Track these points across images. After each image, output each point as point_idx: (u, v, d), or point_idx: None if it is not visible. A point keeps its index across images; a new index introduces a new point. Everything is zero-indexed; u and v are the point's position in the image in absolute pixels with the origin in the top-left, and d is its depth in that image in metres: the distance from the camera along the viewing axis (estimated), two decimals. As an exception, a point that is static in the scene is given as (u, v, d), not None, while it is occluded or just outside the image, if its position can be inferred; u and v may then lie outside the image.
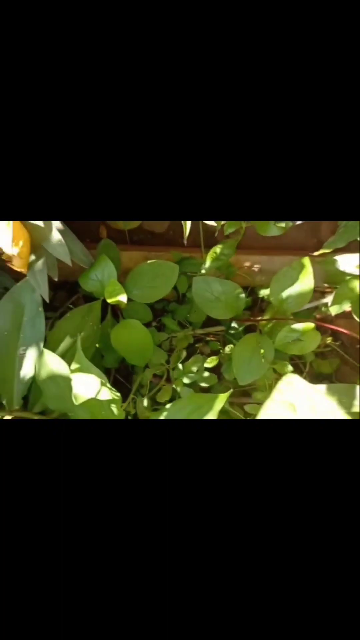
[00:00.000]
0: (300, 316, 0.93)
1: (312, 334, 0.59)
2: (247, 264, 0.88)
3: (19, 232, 0.44)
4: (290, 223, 0.61)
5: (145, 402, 0.67)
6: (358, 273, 0.68)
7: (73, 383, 0.44)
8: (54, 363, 0.52)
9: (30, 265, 0.51)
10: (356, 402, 0.59)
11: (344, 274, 0.71)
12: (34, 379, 0.57)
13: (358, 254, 0.67)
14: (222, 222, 0.65)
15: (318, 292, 0.96)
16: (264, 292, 0.90)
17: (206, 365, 0.78)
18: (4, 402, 0.58)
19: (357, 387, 0.60)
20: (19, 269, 0.49)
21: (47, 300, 0.51)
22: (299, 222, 0.64)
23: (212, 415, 0.46)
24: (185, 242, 0.49)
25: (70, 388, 0.44)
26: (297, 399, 0.37)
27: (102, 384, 0.46)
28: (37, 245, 0.48)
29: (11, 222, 0.42)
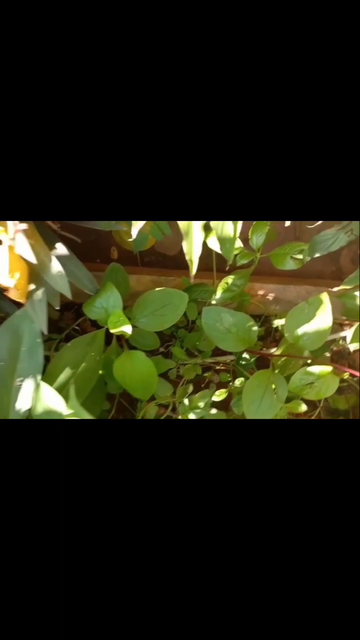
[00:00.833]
0: (316, 349, 0.88)
1: (330, 378, 0.55)
2: (261, 292, 0.84)
3: (15, 263, 0.41)
4: (307, 257, 0.57)
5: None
6: (381, 310, 0.63)
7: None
8: (50, 398, 0.49)
9: (29, 294, 0.48)
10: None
11: (364, 309, 0.67)
12: (30, 412, 0.54)
13: (381, 291, 0.63)
14: (235, 253, 0.62)
15: (336, 324, 0.92)
16: (278, 322, 0.85)
17: (215, 398, 0.73)
18: None
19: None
20: (17, 299, 0.46)
21: (45, 332, 0.48)
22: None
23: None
24: (191, 278, 0.46)
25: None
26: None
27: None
28: (36, 275, 0.46)
29: (7, 252, 0.39)
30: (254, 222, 0.62)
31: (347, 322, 0.89)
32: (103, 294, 0.58)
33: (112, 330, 0.54)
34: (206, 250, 0.83)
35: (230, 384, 0.79)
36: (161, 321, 0.66)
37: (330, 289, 0.62)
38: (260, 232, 0.60)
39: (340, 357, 0.93)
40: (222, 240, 0.48)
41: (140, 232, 0.48)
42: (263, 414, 0.63)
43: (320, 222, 0.87)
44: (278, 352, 0.71)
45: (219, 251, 0.62)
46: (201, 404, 0.64)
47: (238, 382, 0.71)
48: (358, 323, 0.67)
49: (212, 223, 0.47)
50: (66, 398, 0.50)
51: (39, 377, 0.52)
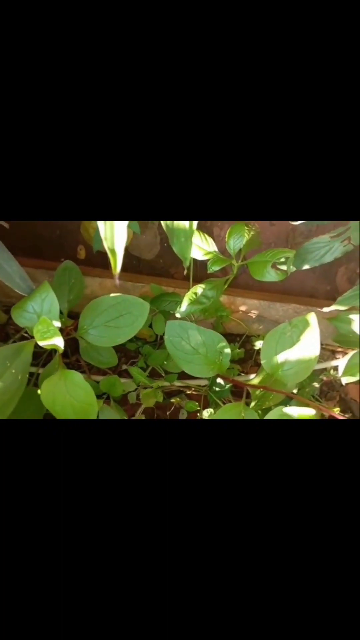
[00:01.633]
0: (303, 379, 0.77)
1: (311, 423, 0.43)
2: (243, 308, 0.73)
3: None
4: (291, 268, 0.46)
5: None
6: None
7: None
8: None
9: None
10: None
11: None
12: None
13: (382, 315, 0.52)
14: (208, 258, 0.51)
15: (327, 351, 0.80)
16: (260, 344, 0.74)
17: (177, 429, 0.62)
18: None
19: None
20: None
21: None
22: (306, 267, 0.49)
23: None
24: (115, 278, 0.36)
25: None
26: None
27: None
28: None
29: None
30: (232, 224, 0.51)
31: (339, 349, 0.78)
32: (37, 296, 0.46)
33: (40, 343, 0.43)
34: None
35: (198, 414, 0.67)
36: (115, 334, 0.54)
37: (321, 309, 0.51)
38: (238, 235, 0.49)
39: (330, 389, 0.81)
40: (174, 233, 0.37)
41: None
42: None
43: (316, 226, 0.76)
44: (255, 382, 0.60)
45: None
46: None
47: (206, 413, 0.59)
48: (353, 352, 0.55)
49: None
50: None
51: None
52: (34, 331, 0.42)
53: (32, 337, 0.47)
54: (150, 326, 0.70)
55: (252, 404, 0.60)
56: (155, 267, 0.85)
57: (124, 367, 0.71)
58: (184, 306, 0.51)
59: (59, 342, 0.43)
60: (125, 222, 0.35)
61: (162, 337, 0.70)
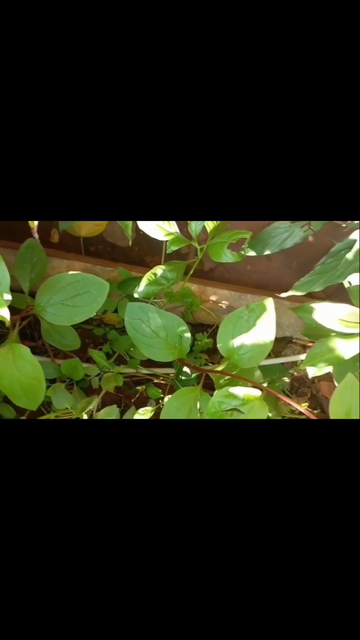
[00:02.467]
0: (272, 373, 0.76)
1: (258, 406, 0.42)
2: (213, 298, 0.72)
3: None
4: (247, 250, 0.45)
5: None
6: (340, 329, 0.51)
7: None
8: None
9: None
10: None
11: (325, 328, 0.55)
12: None
13: (344, 305, 0.51)
14: (169, 239, 0.50)
15: (298, 345, 0.80)
16: (229, 335, 0.73)
17: (137, 417, 0.61)
18: None
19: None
20: None
21: None
22: (273, 253, 0.48)
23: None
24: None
25: None
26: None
27: None
28: None
29: None
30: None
31: (310, 343, 0.77)
32: (-13, 267, 0.45)
33: (-17, 312, 0.42)
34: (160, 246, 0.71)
35: (161, 401, 0.66)
36: (73, 313, 0.53)
37: (278, 295, 0.50)
38: (199, 215, 0.48)
39: (301, 385, 0.80)
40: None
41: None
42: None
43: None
44: (220, 368, 0.59)
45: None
46: (107, 422, 0.51)
47: (167, 399, 0.58)
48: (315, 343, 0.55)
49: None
50: None
51: None
52: (-22, 300, 0.41)
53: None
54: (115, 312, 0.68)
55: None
56: (130, 255, 0.84)
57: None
58: (142, 286, 0.50)
59: (4, 313, 0.42)
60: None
61: (129, 323, 0.69)
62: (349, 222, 0.56)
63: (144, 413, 0.60)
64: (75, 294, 0.53)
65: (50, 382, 0.64)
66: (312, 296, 0.77)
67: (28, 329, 0.75)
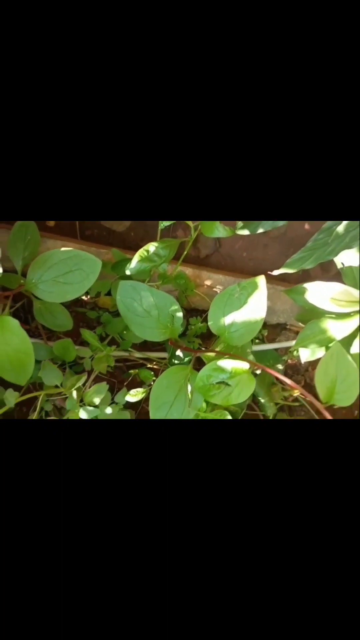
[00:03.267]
0: (266, 359, 0.76)
1: (246, 380, 0.42)
2: (208, 282, 0.72)
3: None
4: (241, 228, 0.44)
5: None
6: (333, 309, 0.51)
7: None
8: None
9: None
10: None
11: (318, 309, 0.54)
12: None
13: (336, 283, 0.51)
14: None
15: (292, 332, 0.79)
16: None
17: (129, 398, 0.60)
18: None
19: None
20: None
21: None
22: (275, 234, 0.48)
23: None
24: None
25: None
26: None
27: None
28: None
29: None
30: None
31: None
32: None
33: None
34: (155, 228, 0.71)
35: (152, 382, 0.66)
36: (64, 290, 0.53)
37: (270, 272, 0.49)
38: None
39: (295, 373, 0.80)
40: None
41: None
42: (173, 421, 0.50)
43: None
44: (215, 349, 0.59)
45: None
46: (96, 400, 0.51)
47: (158, 378, 0.58)
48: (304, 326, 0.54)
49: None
50: None
51: None
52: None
53: None
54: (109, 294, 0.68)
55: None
56: (126, 240, 0.83)
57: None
58: (133, 262, 0.50)
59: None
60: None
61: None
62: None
63: (135, 394, 0.60)
64: (67, 270, 0.53)
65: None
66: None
67: (22, 312, 0.74)
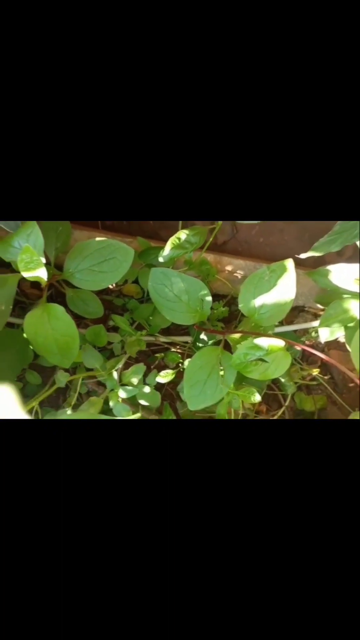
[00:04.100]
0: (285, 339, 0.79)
1: (281, 356, 0.45)
2: (229, 267, 0.75)
3: None
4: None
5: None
6: (356, 289, 0.54)
7: None
8: None
9: None
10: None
11: (340, 291, 0.57)
12: None
13: (358, 264, 0.53)
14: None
15: (310, 314, 0.82)
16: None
17: (159, 379, 0.63)
18: None
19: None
20: None
21: None
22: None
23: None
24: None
25: None
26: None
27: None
28: None
29: None
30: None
31: (321, 312, 0.79)
32: (22, 232, 0.48)
33: (22, 273, 0.44)
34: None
35: (180, 364, 0.69)
36: (100, 278, 0.56)
37: (297, 256, 0.52)
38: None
39: (312, 353, 0.83)
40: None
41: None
42: (205, 400, 0.54)
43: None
44: (237, 334, 0.62)
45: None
46: (134, 380, 0.54)
47: (187, 362, 0.61)
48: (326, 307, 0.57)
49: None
50: None
51: None
52: (18, 261, 0.43)
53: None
54: (138, 282, 0.71)
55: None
56: (145, 229, 0.86)
57: (111, 323, 0.73)
58: (166, 250, 0.53)
59: (42, 273, 0.45)
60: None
61: (148, 294, 0.71)
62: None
63: (165, 375, 0.63)
64: (102, 259, 0.55)
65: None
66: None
67: (50, 301, 0.77)
